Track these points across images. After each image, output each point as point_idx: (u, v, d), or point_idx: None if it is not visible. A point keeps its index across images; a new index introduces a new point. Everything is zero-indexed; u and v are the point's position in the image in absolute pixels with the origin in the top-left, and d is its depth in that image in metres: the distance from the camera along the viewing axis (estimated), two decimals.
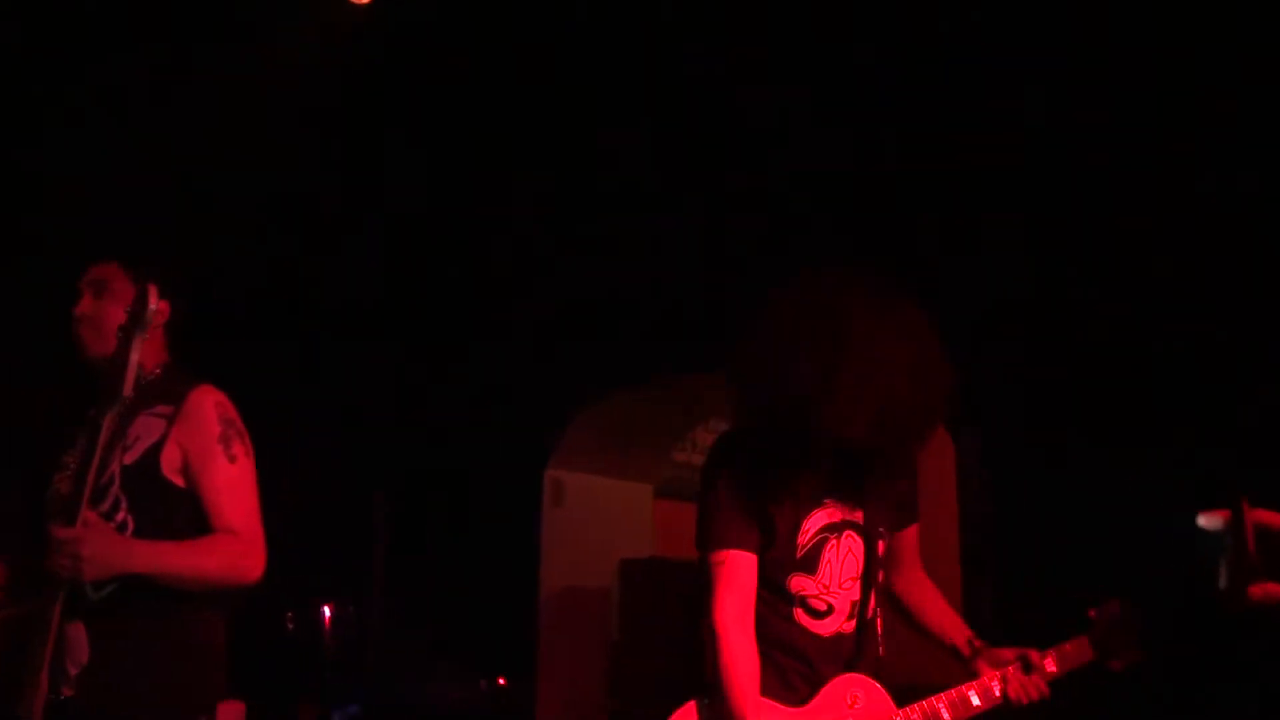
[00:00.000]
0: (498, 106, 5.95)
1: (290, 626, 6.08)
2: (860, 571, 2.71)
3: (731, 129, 5.63)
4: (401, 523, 7.26)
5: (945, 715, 2.66)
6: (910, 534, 2.91)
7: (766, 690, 2.60)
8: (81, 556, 2.47)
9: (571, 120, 5.90)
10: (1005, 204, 4.98)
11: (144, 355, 2.66)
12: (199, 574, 2.69)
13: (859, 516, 2.74)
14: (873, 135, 5.27)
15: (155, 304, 2.54)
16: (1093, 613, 2.83)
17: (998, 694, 2.72)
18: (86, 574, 2.51)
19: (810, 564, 2.67)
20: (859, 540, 2.72)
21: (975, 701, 2.69)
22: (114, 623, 2.65)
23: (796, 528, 2.67)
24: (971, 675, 2.77)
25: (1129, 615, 2.81)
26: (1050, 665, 2.77)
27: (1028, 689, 2.71)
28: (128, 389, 2.53)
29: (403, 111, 6.03)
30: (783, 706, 2.61)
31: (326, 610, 6.14)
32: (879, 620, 2.76)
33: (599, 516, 7.27)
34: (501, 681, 6.37)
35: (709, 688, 2.58)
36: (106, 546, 2.54)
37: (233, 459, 2.77)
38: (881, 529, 2.76)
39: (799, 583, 2.68)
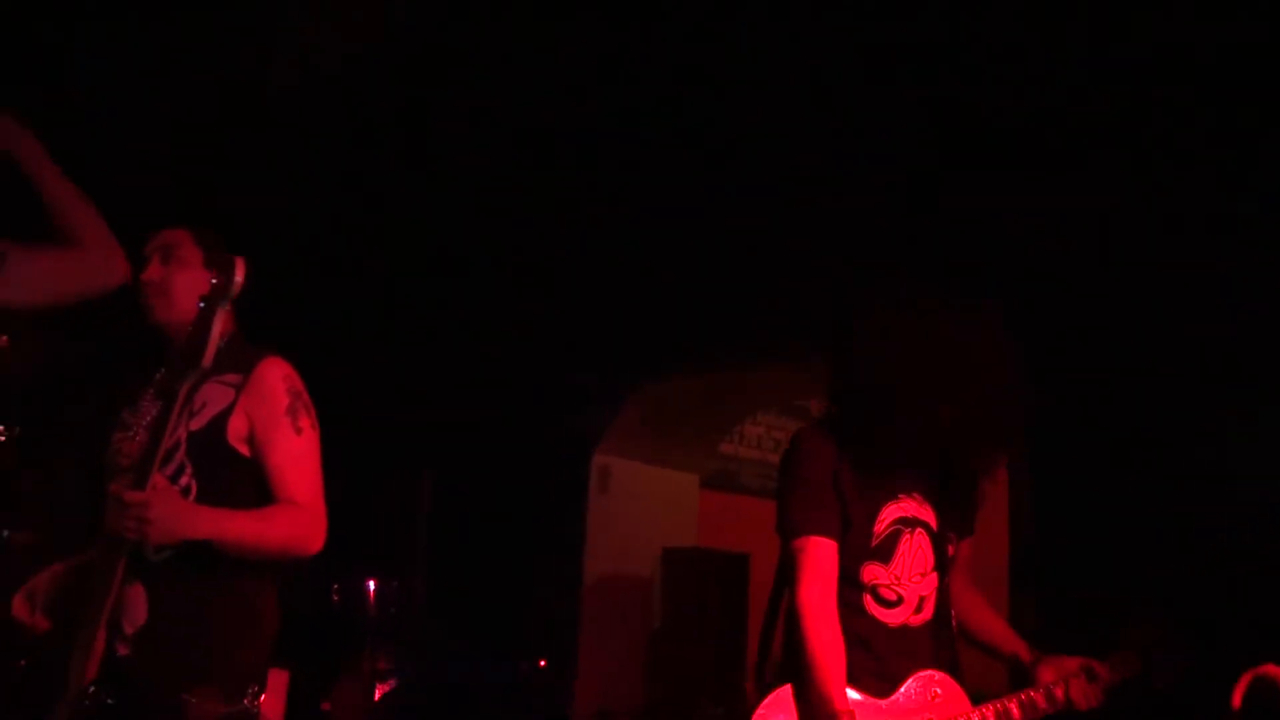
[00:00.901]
0: (557, 85, 5.93)
1: (336, 599, 6.12)
2: (930, 567, 2.83)
3: (794, 119, 5.60)
4: (448, 503, 7.29)
5: (1015, 714, 2.79)
6: (966, 546, 3.01)
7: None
8: (148, 520, 2.48)
9: (635, 98, 5.87)
10: (1039, 221, 4.95)
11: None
12: (261, 543, 2.71)
13: (930, 517, 2.85)
14: (927, 141, 5.25)
15: (241, 277, 2.55)
16: (1136, 629, 3.00)
17: (1062, 698, 2.87)
18: (152, 537, 2.52)
19: (884, 554, 2.79)
20: (928, 539, 2.84)
21: (1042, 703, 2.84)
22: (172, 586, 2.68)
23: (873, 517, 2.79)
24: (1030, 681, 2.90)
25: (1173, 635, 2.98)
26: (1107, 675, 2.92)
27: (1089, 695, 2.87)
28: (208, 360, 2.53)
29: (465, 83, 6.02)
30: (869, 697, 2.70)
31: (371, 585, 6.16)
32: (953, 620, 2.89)
33: (644, 504, 7.27)
34: (541, 664, 6.37)
35: (798, 671, 2.67)
36: (173, 512, 2.55)
37: (299, 431, 2.78)
38: (951, 533, 2.88)
39: (872, 572, 2.78)
